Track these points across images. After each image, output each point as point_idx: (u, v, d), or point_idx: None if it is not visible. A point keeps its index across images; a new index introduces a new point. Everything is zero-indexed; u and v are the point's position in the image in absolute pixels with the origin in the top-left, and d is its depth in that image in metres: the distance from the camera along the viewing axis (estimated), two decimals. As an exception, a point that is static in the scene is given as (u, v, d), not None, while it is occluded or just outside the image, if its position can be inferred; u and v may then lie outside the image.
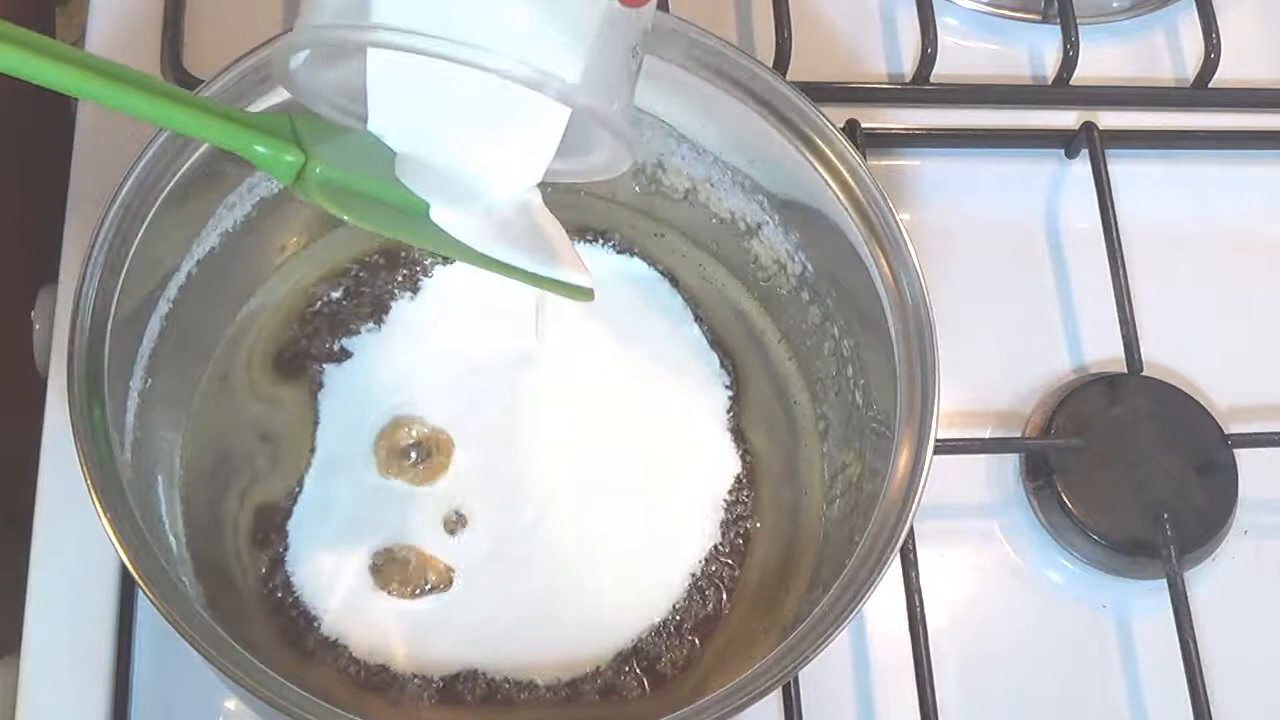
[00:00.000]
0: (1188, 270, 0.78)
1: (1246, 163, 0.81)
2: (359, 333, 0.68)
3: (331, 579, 0.63)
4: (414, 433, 0.65)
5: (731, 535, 0.66)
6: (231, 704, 0.63)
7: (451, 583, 0.63)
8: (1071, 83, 0.79)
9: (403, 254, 0.70)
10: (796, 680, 0.64)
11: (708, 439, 0.68)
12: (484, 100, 0.54)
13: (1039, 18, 0.82)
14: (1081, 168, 0.78)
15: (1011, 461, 0.72)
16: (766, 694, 0.54)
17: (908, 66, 0.80)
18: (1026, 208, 0.79)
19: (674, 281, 0.71)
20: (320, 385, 0.67)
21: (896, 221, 0.62)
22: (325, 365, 0.67)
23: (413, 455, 0.65)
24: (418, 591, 0.63)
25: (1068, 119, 0.80)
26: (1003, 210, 0.78)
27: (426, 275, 0.69)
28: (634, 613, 0.64)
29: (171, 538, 0.62)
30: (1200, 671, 0.66)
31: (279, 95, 0.59)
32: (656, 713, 0.54)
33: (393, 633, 0.62)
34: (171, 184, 0.60)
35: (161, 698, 0.63)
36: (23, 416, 0.70)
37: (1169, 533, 0.68)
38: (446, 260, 0.69)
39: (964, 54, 0.81)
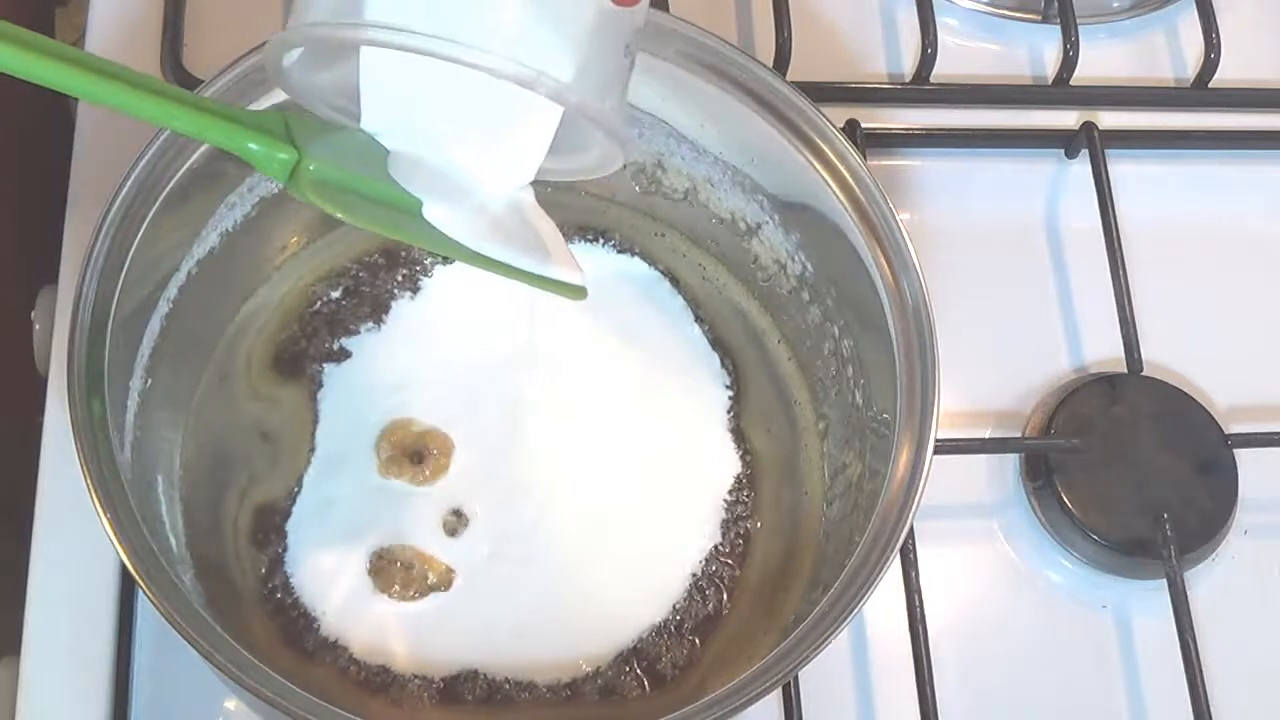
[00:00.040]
0: (1188, 270, 0.78)
1: (1246, 163, 0.81)
2: (359, 332, 0.68)
3: (331, 579, 0.63)
4: (414, 433, 0.65)
5: (732, 535, 0.66)
6: (231, 704, 0.63)
7: (451, 583, 0.63)
8: (1071, 83, 0.79)
9: (403, 254, 0.70)
10: (796, 680, 0.64)
11: (708, 439, 0.68)
12: (477, 98, 0.54)
13: (1039, 18, 0.82)
14: (1081, 168, 0.78)
15: (1011, 461, 0.72)
16: (766, 694, 0.54)
17: (908, 66, 0.80)
18: (1026, 208, 0.79)
19: (674, 281, 0.71)
20: (320, 385, 0.67)
21: (896, 221, 0.62)
22: (325, 365, 0.67)
23: (413, 455, 0.65)
24: (417, 592, 0.63)
25: (1068, 119, 0.80)
26: (1003, 210, 0.78)
27: (426, 275, 0.69)
28: (634, 613, 0.64)
29: (171, 538, 0.62)
30: (1200, 671, 0.66)
31: (279, 95, 0.59)
32: (656, 713, 0.54)
33: (393, 633, 0.62)
34: (171, 184, 0.60)
35: (161, 698, 0.63)
36: (23, 416, 0.70)
37: (1169, 533, 0.68)
38: (447, 260, 0.69)
39: (964, 54, 0.81)
